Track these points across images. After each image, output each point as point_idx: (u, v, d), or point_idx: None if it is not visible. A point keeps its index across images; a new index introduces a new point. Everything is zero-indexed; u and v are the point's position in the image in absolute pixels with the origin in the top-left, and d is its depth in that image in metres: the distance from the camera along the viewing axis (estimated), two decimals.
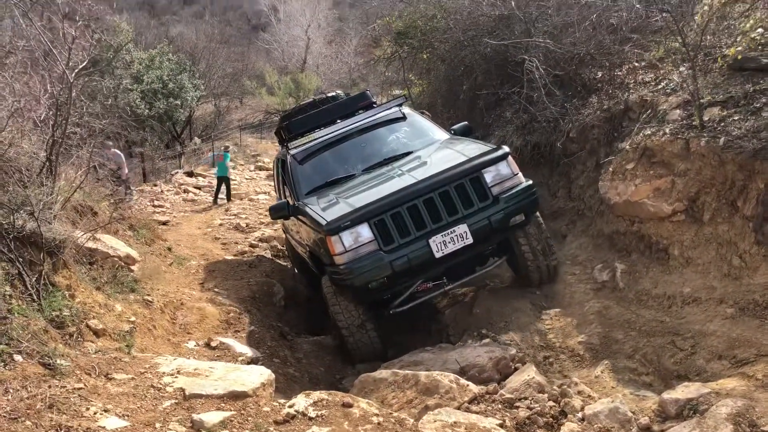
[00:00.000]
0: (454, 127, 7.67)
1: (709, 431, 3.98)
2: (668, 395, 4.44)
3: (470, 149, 6.55)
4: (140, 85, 24.15)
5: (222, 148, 20.44)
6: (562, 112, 7.92)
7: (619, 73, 8.08)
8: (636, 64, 8.03)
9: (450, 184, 6.02)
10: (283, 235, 10.47)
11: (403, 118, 7.86)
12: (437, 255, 5.90)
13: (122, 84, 22.52)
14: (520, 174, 6.31)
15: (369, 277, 5.82)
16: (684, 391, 4.43)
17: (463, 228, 5.93)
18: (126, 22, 25.37)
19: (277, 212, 7.19)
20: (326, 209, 6.29)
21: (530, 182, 6.33)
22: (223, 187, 17.86)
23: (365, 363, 6.32)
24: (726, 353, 4.92)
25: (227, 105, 35.01)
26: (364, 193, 6.30)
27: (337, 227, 5.85)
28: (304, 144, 7.72)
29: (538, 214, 6.59)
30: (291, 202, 7.24)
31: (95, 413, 3.57)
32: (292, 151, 7.66)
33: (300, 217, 6.86)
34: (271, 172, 13.27)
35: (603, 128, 7.59)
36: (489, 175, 6.12)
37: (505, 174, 6.18)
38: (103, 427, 3.42)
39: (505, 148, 6.37)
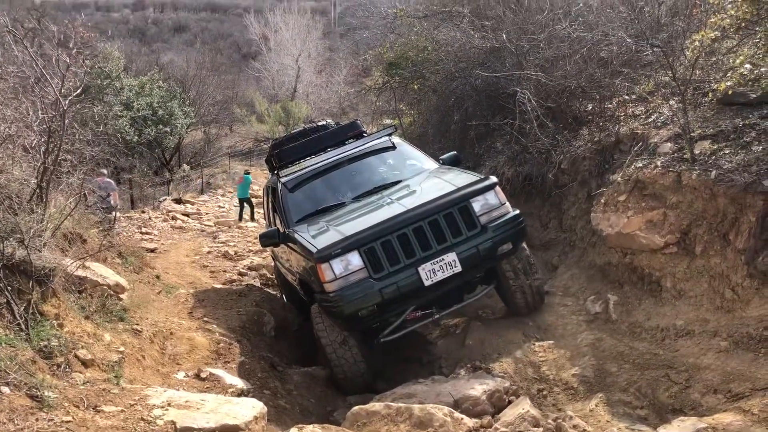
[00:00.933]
0: (443, 156, 7.70)
1: None
2: (664, 430, 4.42)
3: (459, 179, 6.59)
4: (130, 111, 24.14)
5: (243, 171, 21.43)
6: (554, 144, 7.99)
7: (610, 105, 8.18)
8: (626, 97, 8.14)
9: (439, 213, 6.04)
10: (272, 263, 10.46)
11: (393, 147, 7.90)
12: (427, 283, 5.89)
13: (112, 110, 22.53)
14: (508, 204, 6.37)
15: (359, 304, 5.80)
16: (680, 426, 4.41)
17: (452, 256, 5.94)
18: (118, 50, 25.42)
19: (268, 239, 7.17)
20: (316, 237, 6.28)
21: (517, 212, 6.40)
22: (247, 208, 19.00)
23: (354, 394, 6.29)
24: (721, 387, 4.90)
25: (217, 132, 35.06)
26: (355, 221, 6.32)
27: (328, 255, 5.84)
28: (294, 172, 7.73)
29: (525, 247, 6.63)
30: (281, 230, 7.24)
31: None
32: (283, 179, 7.66)
33: (290, 244, 6.85)
34: (260, 200, 13.29)
35: (594, 160, 7.65)
36: (477, 205, 6.17)
37: (493, 203, 6.23)
38: None
39: (493, 178, 6.44)
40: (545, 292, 6.99)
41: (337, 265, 5.84)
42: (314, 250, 5.95)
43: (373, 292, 5.81)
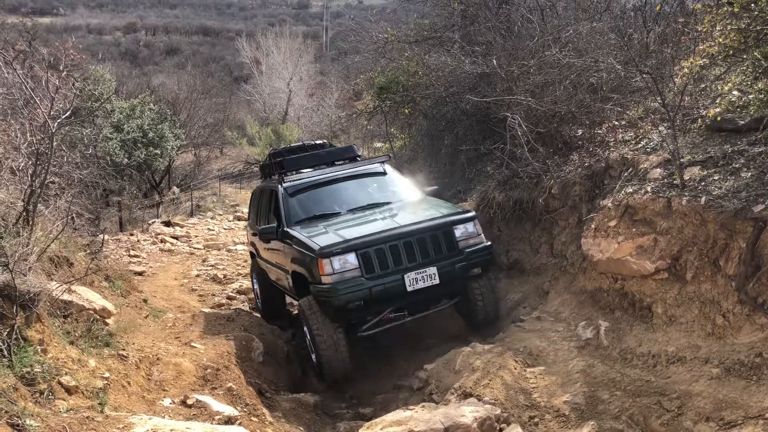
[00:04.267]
0: (426, 189, 8.80)
1: None
2: None
3: (444, 208, 7.80)
4: (120, 134, 24.08)
5: None
6: (544, 169, 8.00)
7: (600, 131, 8.22)
8: (616, 123, 8.19)
9: (427, 233, 7.15)
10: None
11: (384, 173, 9.02)
12: (409, 288, 6.94)
13: (102, 133, 22.47)
14: (483, 235, 7.54)
15: (350, 297, 6.78)
16: None
17: (432, 270, 7.04)
18: (109, 72, 25.42)
19: (266, 234, 8.20)
20: (316, 237, 7.29)
21: (489, 243, 7.55)
22: None
23: (337, 381, 7.29)
24: (713, 415, 4.86)
25: (207, 155, 35.01)
26: (352, 229, 7.35)
27: (329, 252, 6.84)
28: (296, 179, 8.71)
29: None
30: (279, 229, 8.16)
31: None
32: (285, 184, 8.60)
33: (287, 240, 7.83)
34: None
35: (584, 185, 7.66)
36: (459, 231, 7.32)
37: (471, 232, 7.40)
38: None
39: (474, 212, 7.72)
40: (499, 313, 7.96)
41: (336, 262, 6.83)
42: (317, 247, 6.96)
43: (363, 288, 6.81)
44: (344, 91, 32.28)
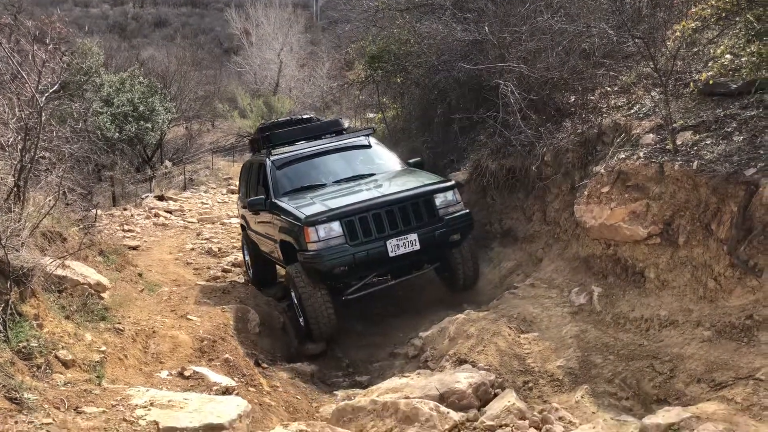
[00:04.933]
0: (410, 161, 9.09)
1: None
2: (649, 420, 4.43)
3: (426, 178, 8.11)
4: (110, 108, 23.83)
5: None
6: (537, 136, 7.97)
7: (592, 97, 8.18)
8: (608, 89, 8.14)
9: (408, 202, 7.48)
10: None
11: (369, 146, 9.33)
12: (391, 254, 7.29)
13: (92, 107, 22.20)
14: (462, 203, 7.89)
15: (335, 263, 7.14)
16: (665, 416, 4.42)
17: (413, 236, 7.37)
18: (97, 45, 25.05)
19: (255, 206, 8.60)
20: (303, 207, 7.61)
21: (468, 211, 7.89)
22: None
23: (323, 341, 7.62)
24: (705, 376, 4.93)
25: (199, 128, 34.71)
26: (338, 199, 7.64)
27: (315, 221, 7.20)
28: (283, 153, 9.02)
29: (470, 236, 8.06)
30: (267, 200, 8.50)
31: None
32: (273, 158, 8.91)
33: (275, 211, 8.17)
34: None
35: (577, 152, 7.65)
36: (439, 200, 7.65)
37: (451, 200, 7.72)
38: None
39: (453, 181, 8.03)
40: (478, 277, 8.33)
41: (321, 230, 7.18)
42: (303, 216, 7.31)
43: (347, 255, 7.17)
44: (336, 62, 31.93)
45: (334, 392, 6.37)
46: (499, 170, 8.73)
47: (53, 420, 3.73)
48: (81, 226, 8.53)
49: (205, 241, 15.00)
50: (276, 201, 8.24)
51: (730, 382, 4.68)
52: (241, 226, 11.23)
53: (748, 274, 5.36)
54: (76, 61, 19.99)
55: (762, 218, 5.32)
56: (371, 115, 18.02)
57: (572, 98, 8.46)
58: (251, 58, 40.27)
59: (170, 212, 19.62)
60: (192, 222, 18.16)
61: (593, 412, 4.98)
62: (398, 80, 12.81)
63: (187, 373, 5.56)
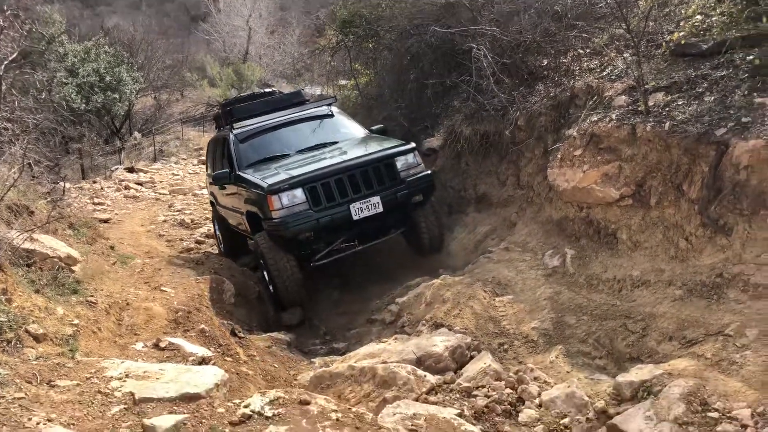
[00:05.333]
0: (372, 128, 9.22)
1: (663, 412, 4.05)
2: (623, 378, 4.51)
3: (386, 143, 8.24)
4: (75, 78, 23.23)
5: None
6: (510, 101, 7.94)
7: (565, 60, 8.15)
8: (581, 51, 8.11)
9: (369, 166, 7.62)
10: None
11: (331, 115, 9.49)
12: (355, 218, 7.44)
13: (56, 77, 21.61)
14: (423, 165, 8.04)
15: (300, 229, 7.29)
16: (638, 374, 4.51)
17: (376, 199, 7.52)
18: (58, 13, 24.30)
19: (220, 180, 8.68)
20: (267, 177, 7.69)
21: (429, 172, 8.04)
22: None
23: (292, 306, 7.74)
24: (676, 334, 5.02)
25: (168, 98, 34.04)
26: (301, 167, 7.73)
27: (278, 189, 7.31)
28: (246, 126, 9.09)
29: (434, 199, 8.30)
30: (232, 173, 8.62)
31: (38, 423, 3.37)
32: (235, 131, 9.02)
33: (240, 183, 8.29)
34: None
35: (550, 115, 7.64)
36: (399, 162, 7.79)
37: (412, 163, 7.87)
38: None
39: (413, 144, 8.16)
40: (443, 239, 8.51)
41: (285, 198, 7.31)
42: (265, 185, 7.42)
43: (311, 220, 7.31)
44: (306, 27, 31.46)
45: (312, 360, 6.37)
46: (473, 135, 8.70)
47: (25, 394, 3.68)
48: (49, 199, 8.34)
49: (177, 213, 14.84)
50: (240, 173, 8.35)
51: (701, 339, 4.77)
52: (211, 202, 11.29)
53: (718, 233, 5.44)
54: (36, 29, 19.34)
55: (732, 178, 5.38)
56: (344, 82, 17.81)
57: (545, 61, 8.42)
58: (219, 25, 39.50)
59: (141, 184, 19.35)
60: (163, 194, 17.95)
61: (568, 372, 5.06)
62: (370, 45, 12.66)
63: (162, 345, 5.51)
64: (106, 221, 13.29)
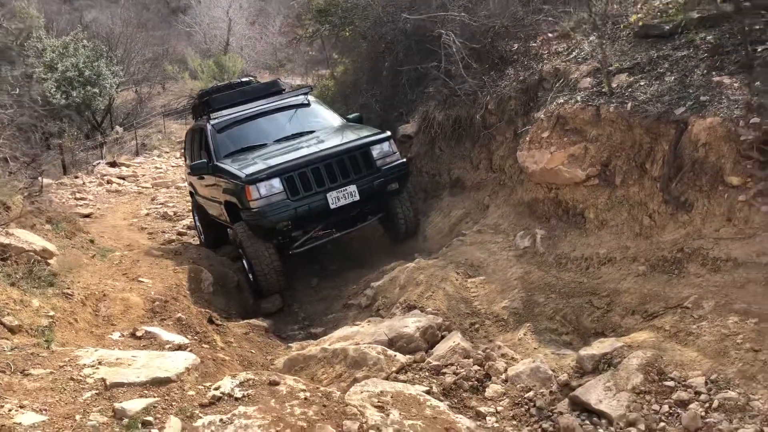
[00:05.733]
0: (348, 116, 9.34)
1: (622, 382, 4.20)
2: (585, 352, 4.65)
3: (362, 132, 8.31)
4: (54, 73, 23.06)
5: None
6: (480, 85, 8.04)
7: (534, 44, 8.25)
8: (549, 35, 8.22)
9: (345, 155, 7.70)
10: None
11: (308, 104, 9.54)
12: (332, 206, 7.55)
13: (35, 73, 21.47)
14: (398, 153, 8.14)
15: (277, 218, 7.39)
16: (599, 347, 4.65)
17: (353, 188, 7.61)
18: (35, 8, 24.09)
19: (198, 170, 8.71)
20: (244, 167, 7.78)
21: (405, 160, 8.19)
22: None
23: (272, 294, 7.82)
24: (638, 308, 5.18)
25: (149, 91, 33.85)
26: (278, 157, 7.81)
27: (255, 179, 7.40)
28: (223, 116, 9.18)
29: (409, 186, 8.42)
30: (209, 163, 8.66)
31: (10, 410, 3.46)
32: (213, 122, 9.10)
33: (218, 173, 8.33)
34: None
35: (520, 99, 7.76)
36: (375, 151, 7.86)
37: (387, 151, 7.94)
38: (19, 423, 3.32)
39: (388, 133, 8.21)
40: (419, 226, 8.66)
41: (262, 188, 7.38)
42: (243, 176, 7.50)
43: (289, 209, 7.41)
44: (286, 18, 31.31)
45: (289, 345, 6.47)
46: (446, 121, 8.81)
47: None
48: (26, 195, 8.37)
49: (160, 206, 14.87)
50: (218, 163, 8.41)
51: (661, 312, 4.92)
52: (190, 193, 11.33)
53: (679, 209, 5.60)
54: (15, 26, 19.26)
55: (691, 155, 5.53)
56: (324, 71, 17.85)
57: (515, 46, 8.51)
58: (199, 16, 39.23)
59: (123, 178, 19.32)
60: (146, 187, 17.95)
61: (535, 348, 5.20)
62: (346, 34, 12.69)
63: (139, 334, 5.59)
64: (88, 216, 13.29)
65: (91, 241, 8.94)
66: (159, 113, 31.41)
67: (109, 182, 18.58)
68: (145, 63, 32.46)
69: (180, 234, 12.09)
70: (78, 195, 16.44)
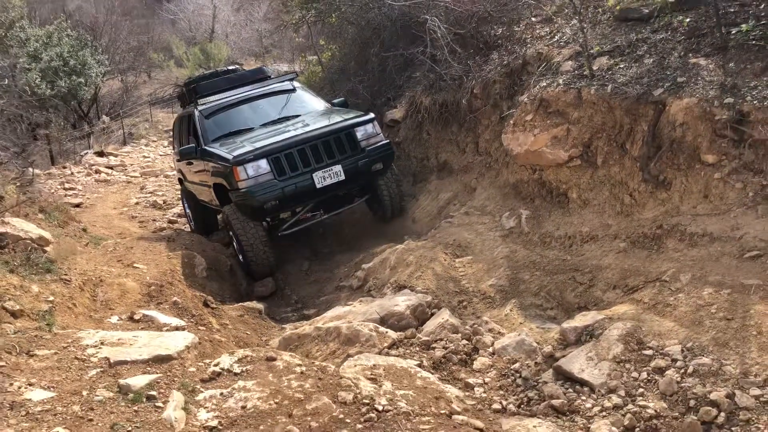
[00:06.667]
0: (334, 101, 9.55)
1: (603, 352, 4.41)
2: (568, 324, 4.86)
3: (347, 115, 8.52)
4: (39, 63, 22.94)
5: None
6: (466, 70, 8.20)
7: (517, 29, 8.41)
8: (533, 20, 8.38)
9: (331, 136, 7.94)
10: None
11: (293, 90, 9.80)
12: (318, 186, 7.77)
13: (19, 63, 21.33)
14: (382, 134, 8.38)
15: (265, 198, 7.60)
16: (582, 320, 4.86)
17: (338, 168, 7.84)
18: None
19: (186, 154, 8.98)
20: (232, 150, 7.99)
21: (388, 141, 8.41)
22: None
23: (263, 276, 8.05)
24: (619, 283, 5.39)
25: (134, 80, 33.72)
26: (265, 140, 8.01)
27: (243, 160, 7.62)
28: (210, 102, 9.42)
29: (394, 167, 8.66)
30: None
31: (19, 388, 3.61)
32: (200, 108, 9.33)
33: (206, 157, 8.55)
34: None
35: (504, 83, 7.92)
36: (359, 133, 8.09)
37: (371, 133, 8.17)
38: (29, 399, 3.48)
39: (372, 115, 8.41)
40: (404, 205, 8.93)
41: (250, 169, 7.60)
42: (231, 157, 7.72)
43: (276, 189, 7.62)
44: (272, 3, 31.20)
45: (283, 326, 6.64)
46: (433, 105, 8.96)
47: (6, 363, 3.91)
48: (18, 184, 8.46)
49: (149, 195, 14.94)
50: (206, 147, 8.66)
51: (641, 286, 5.14)
52: (179, 180, 11.47)
53: (658, 187, 5.81)
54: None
55: (669, 135, 5.73)
56: (310, 57, 17.89)
57: (499, 30, 8.66)
58: (184, 3, 38.97)
59: (111, 168, 19.33)
60: (135, 176, 18.00)
61: (520, 323, 5.40)
62: (333, 20, 12.77)
63: (136, 317, 5.73)
64: (78, 206, 13.36)
65: (84, 230, 9.05)
66: (145, 102, 31.32)
67: (97, 172, 18.60)
68: (130, 52, 32.29)
69: (170, 222, 12.20)
70: (67, 185, 16.46)
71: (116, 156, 21.39)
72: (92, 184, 17.22)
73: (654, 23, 6.56)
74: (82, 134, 24.84)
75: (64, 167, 19.34)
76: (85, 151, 22.20)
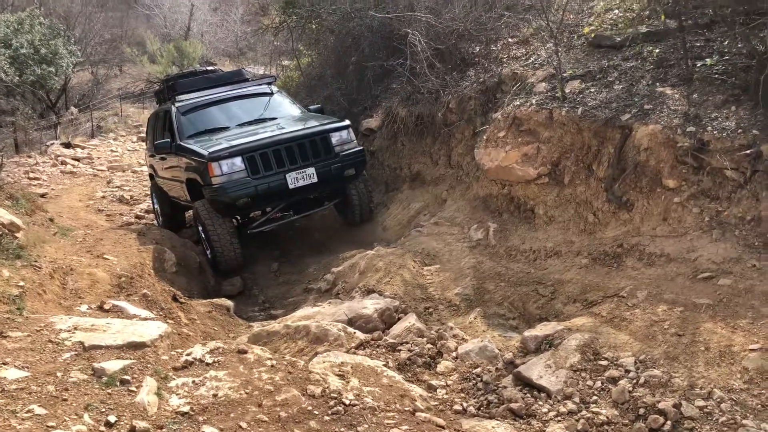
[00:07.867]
0: (310, 107, 9.83)
1: (561, 360, 4.61)
2: (529, 333, 5.06)
3: (323, 120, 8.81)
4: (8, 50, 22.55)
5: None
6: (443, 84, 8.43)
7: (495, 48, 8.68)
8: (510, 40, 8.66)
9: (306, 139, 8.14)
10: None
11: (271, 93, 9.99)
12: (291, 186, 7.96)
13: None
14: (356, 141, 8.68)
15: (238, 195, 7.75)
16: (542, 329, 5.07)
17: (311, 170, 8.05)
18: None
19: (161, 149, 9.07)
20: (207, 146, 8.13)
21: (362, 148, 8.68)
22: None
23: (230, 272, 8.20)
24: (580, 297, 5.63)
25: (106, 73, 33.29)
26: (241, 139, 8.18)
27: (218, 156, 7.77)
28: (188, 99, 9.56)
29: (365, 174, 8.96)
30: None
31: None
32: (177, 104, 9.44)
33: (181, 152, 8.68)
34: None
35: (479, 99, 8.17)
36: (335, 138, 8.34)
37: (346, 139, 8.44)
38: (4, 378, 3.53)
39: (347, 121, 8.71)
40: (373, 211, 9.19)
41: (224, 165, 7.76)
42: (206, 153, 7.85)
43: (249, 187, 7.78)
44: (250, 6, 31.25)
45: (251, 324, 6.73)
46: (409, 117, 9.17)
47: None
48: None
49: (116, 189, 14.85)
50: (181, 143, 8.78)
51: (599, 300, 5.38)
52: (150, 175, 11.54)
53: (621, 208, 6.08)
54: None
55: (634, 158, 6.01)
56: (287, 62, 17.99)
57: (477, 48, 8.93)
58: (160, 0, 38.65)
59: (78, 160, 19.12)
60: (101, 170, 17.84)
61: (484, 330, 5.59)
62: (313, 26, 12.92)
63: (106, 307, 5.75)
64: (42, 196, 13.19)
65: (51, 220, 8.98)
66: (116, 96, 30.93)
67: (63, 163, 18.38)
68: (102, 44, 31.88)
69: (138, 217, 12.17)
70: (31, 175, 16.25)
71: (83, 148, 21.16)
72: (58, 175, 17.02)
73: (625, 51, 6.88)
74: (49, 124, 24.46)
75: (29, 156, 19.07)
76: (52, 142, 21.88)
